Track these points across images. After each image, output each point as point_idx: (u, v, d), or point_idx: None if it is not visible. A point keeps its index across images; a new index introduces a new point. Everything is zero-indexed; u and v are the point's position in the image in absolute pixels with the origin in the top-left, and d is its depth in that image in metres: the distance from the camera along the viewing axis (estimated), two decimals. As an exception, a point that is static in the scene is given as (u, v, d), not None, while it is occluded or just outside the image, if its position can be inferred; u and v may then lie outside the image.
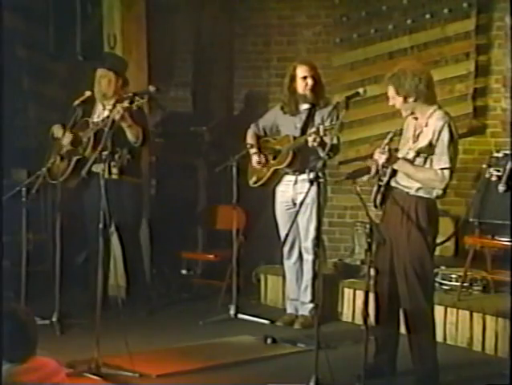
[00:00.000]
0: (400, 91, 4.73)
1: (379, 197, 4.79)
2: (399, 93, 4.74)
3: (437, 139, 4.68)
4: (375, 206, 4.84)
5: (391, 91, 4.79)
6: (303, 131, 6.07)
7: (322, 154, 5.64)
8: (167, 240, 7.16)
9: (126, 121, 5.98)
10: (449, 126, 4.70)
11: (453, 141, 4.71)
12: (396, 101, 4.79)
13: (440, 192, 4.77)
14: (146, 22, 7.14)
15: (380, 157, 4.68)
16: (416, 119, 4.82)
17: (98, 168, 5.69)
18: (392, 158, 4.68)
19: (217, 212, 7.29)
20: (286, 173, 6.19)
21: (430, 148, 4.67)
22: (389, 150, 4.67)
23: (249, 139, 6.40)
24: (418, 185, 4.74)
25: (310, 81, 6.08)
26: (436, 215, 4.87)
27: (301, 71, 6.10)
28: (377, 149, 4.73)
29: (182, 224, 7.47)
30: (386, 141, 4.74)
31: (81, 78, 7.12)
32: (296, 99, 6.13)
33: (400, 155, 4.79)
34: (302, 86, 6.08)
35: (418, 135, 4.77)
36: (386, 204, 4.82)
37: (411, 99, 4.73)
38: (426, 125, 4.75)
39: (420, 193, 4.76)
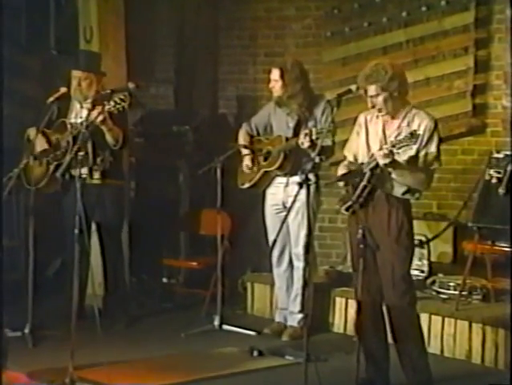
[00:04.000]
0: (384, 86, 4.75)
1: (360, 200, 4.81)
2: (384, 89, 4.76)
3: (428, 140, 4.74)
4: (348, 210, 4.86)
5: (373, 90, 4.79)
6: (296, 131, 6.08)
7: (313, 155, 5.64)
8: (147, 246, 7.16)
9: (107, 124, 5.98)
10: (436, 125, 4.79)
11: (439, 140, 4.80)
12: (378, 100, 4.80)
13: (421, 193, 4.88)
14: (124, 13, 7.13)
15: (384, 159, 4.68)
16: (392, 118, 4.85)
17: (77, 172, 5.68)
18: (395, 162, 4.70)
19: (200, 217, 7.28)
20: (278, 175, 6.20)
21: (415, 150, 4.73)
22: (393, 152, 4.68)
23: (241, 139, 6.40)
24: (404, 188, 4.79)
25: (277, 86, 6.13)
26: (411, 215, 4.95)
27: (272, 75, 6.16)
28: (384, 149, 4.69)
29: (163, 230, 7.46)
30: (392, 142, 4.72)
31: (55, 73, 7.11)
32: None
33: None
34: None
35: (396, 136, 4.77)
36: (367, 208, 4.84)
37: (395, 94, 4.77)
38: (408, 125, 4.79)
39: (406, 196, 4.83)
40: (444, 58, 7.23)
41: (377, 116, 4.91)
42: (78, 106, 6.30)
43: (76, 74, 6.23)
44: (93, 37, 6.93)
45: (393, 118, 4.87)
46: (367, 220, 4.80)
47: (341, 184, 5.02)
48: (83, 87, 6.21)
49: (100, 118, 5.78)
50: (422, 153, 4.76)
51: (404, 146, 4.63)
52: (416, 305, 4.95)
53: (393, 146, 4.64)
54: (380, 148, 4.75)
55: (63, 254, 6.53)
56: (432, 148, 4.77)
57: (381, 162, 4.68)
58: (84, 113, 6.12)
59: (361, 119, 5.02)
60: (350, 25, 7.59)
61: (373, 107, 4.84)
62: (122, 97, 5.74)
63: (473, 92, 7.13)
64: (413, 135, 4.62)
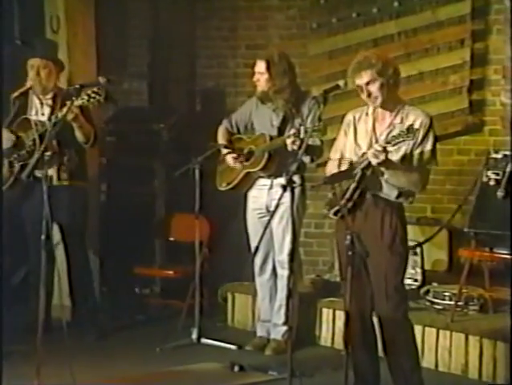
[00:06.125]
0: (379, 72, 4.75)
1: (350, 204, 4.81)
2: (380, 74, 4.74)
3: (423, 137, 4.74)
4: (337, 215, 4.86)
5: (367, 76, 4.77)
6: (281, 130, 6.07)
7: (300, 155, 5.62)
8: (119, 253, 7.14)
9: (78, 121, 5.96)
10: (431, 122, 4.78)
11: (435, 138, 4.81)
12: (374, 86, 4.79)
13: (414, 196, 4.89)
14: (94, 2, 7.11)
15: (377, 158, 4.67)
16: (384, 113, 4.85)
17: (40, 173, 5.65)
18: (388, 160, 4.70)
19: (177, 222, 7.28)
20: (261, 176, 6.19)
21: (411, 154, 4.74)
22: (386, 150, 4.67)
23: (221, 138, 6.38)
24: (397, 191, 4.79)
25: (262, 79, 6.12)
26: (405, 220, 4.96)
27: (256, 68, 6.14)
28: (376, 146, 4.68)
29: (137, 236, 7.44)
30: (386, 139, 4.72)
31: (20, 65, 7.07)
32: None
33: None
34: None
35: (388, 134, 4.78)
36: (357, 212, 4.85)
37: (391, 81, 4.77)
38: (401, 122, 4.79)
39: (400, 200, 4.83)
40: (438, 52, 7.25)
41: (366, 114, 4.92)
42: (37, 102, 6.26)
43: (34, 62, 6.21)
44: (60, 27, 6.90)
45: (385, 114, 4.85)
46: (356, 226, 4.80)
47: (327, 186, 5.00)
48: (42, 77, 6.20)
49: (72, 115, 5.77)
50: (417, 152, 4.75)
51: (399, 142, 4.63)
52: (407, 316, 4.94)
53: (388, 143, 4.63)
54: (370, 146, 4.76)
55: (27, 262, 6.49)
56: (428, 147, 4.76)
57: (373, 161, 4.68)
58: (46, 110, 6.11)
59: (349, 117, 5.03)
60: (337, 15, 7.60)
61: (369, 95, 4.81)
62: (96, 90, 5.72)
63: (469, 88, 7.16)
64: (410, 130, 4.61)
